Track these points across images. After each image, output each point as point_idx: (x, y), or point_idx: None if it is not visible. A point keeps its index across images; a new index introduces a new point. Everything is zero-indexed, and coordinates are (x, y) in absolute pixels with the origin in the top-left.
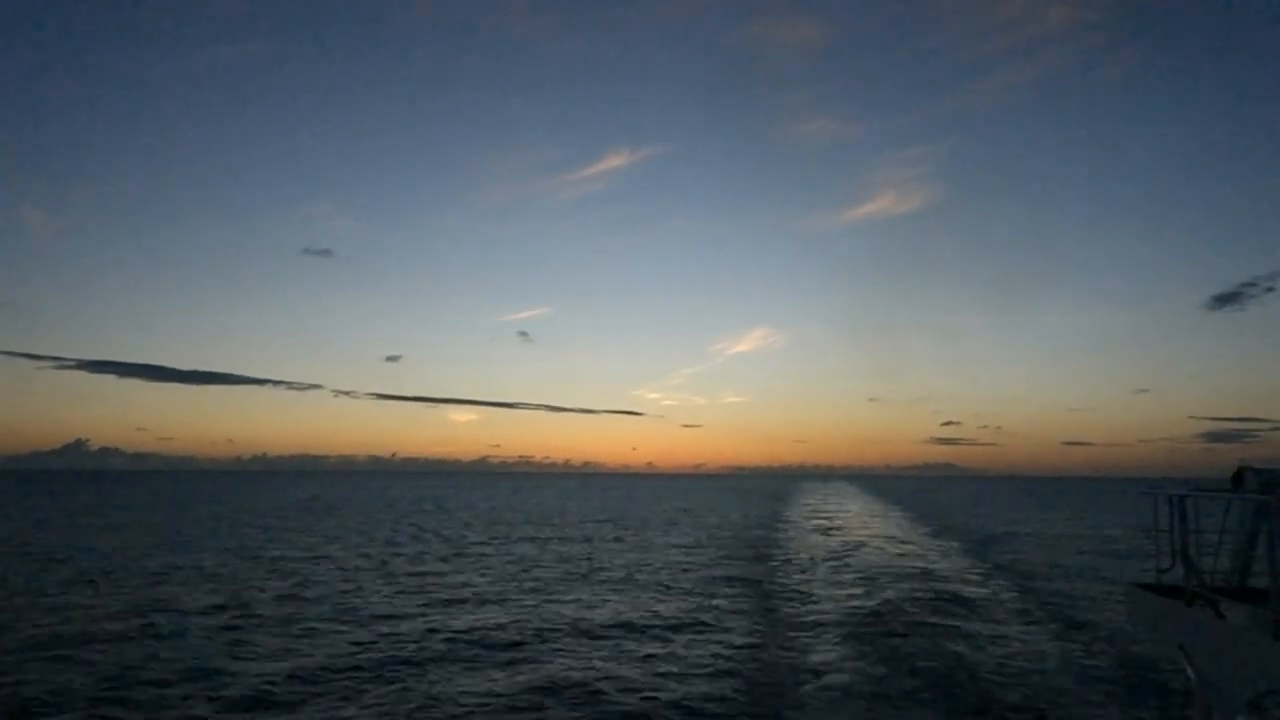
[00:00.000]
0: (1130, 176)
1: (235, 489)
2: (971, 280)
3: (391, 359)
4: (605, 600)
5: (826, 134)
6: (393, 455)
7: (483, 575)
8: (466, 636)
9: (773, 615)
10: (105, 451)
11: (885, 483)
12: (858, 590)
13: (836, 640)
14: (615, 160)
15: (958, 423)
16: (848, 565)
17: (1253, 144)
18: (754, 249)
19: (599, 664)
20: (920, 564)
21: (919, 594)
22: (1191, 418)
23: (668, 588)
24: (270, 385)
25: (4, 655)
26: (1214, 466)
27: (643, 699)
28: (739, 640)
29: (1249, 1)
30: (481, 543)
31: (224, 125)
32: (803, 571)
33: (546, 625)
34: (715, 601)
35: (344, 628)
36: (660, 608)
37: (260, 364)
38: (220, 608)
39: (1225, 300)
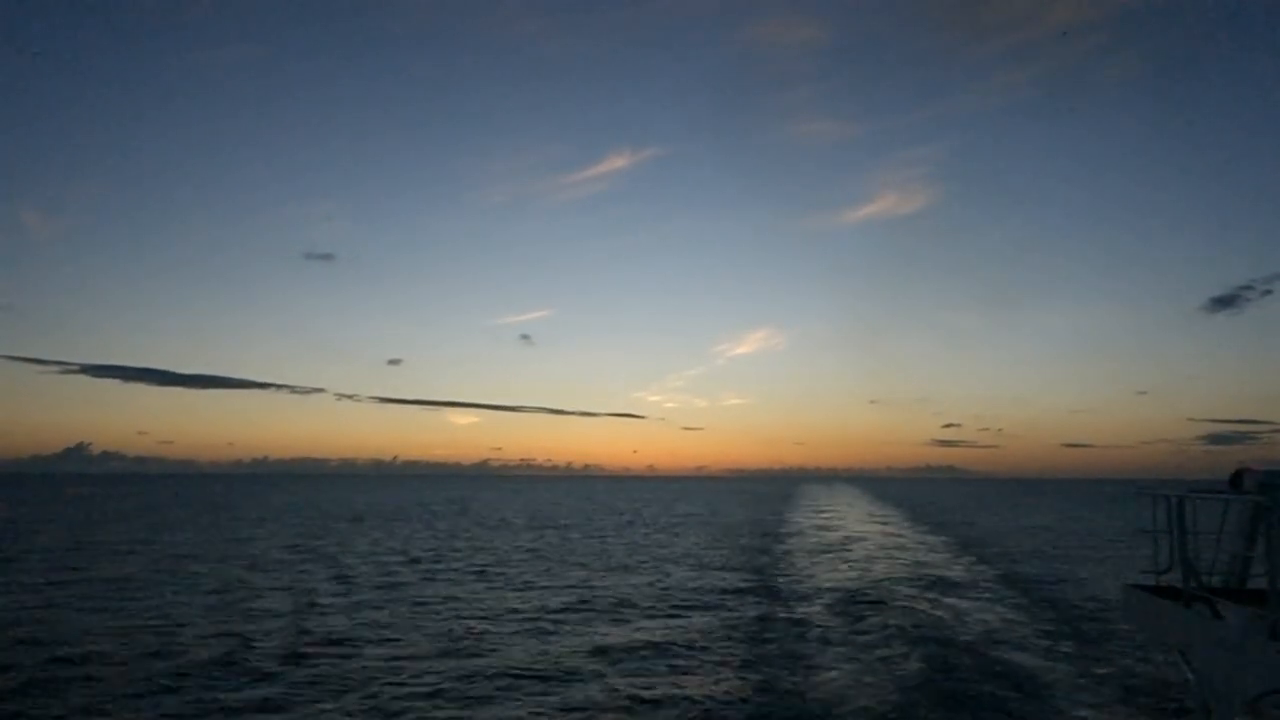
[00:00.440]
0: (1129, 178)
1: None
2: (972, 281)
3: (393, 362)
4: None
5: (828, 135)
6: (394, 458)
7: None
8: None
9: None
10: (107, 455)
11: (891, 486)
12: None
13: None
14: (617, 161)
15: (958, 424)
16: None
17: (1252, 146)
18: (755, 250)
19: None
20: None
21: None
22: (1191, 420)
23: None
24: (273, 389)
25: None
26: (1214, 469)
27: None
28: None
29: (1249, 2)
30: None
31: (225, 128)
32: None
33: None
34: None
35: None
36: None
37: (263, 368)
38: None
39: (1223, 303)
